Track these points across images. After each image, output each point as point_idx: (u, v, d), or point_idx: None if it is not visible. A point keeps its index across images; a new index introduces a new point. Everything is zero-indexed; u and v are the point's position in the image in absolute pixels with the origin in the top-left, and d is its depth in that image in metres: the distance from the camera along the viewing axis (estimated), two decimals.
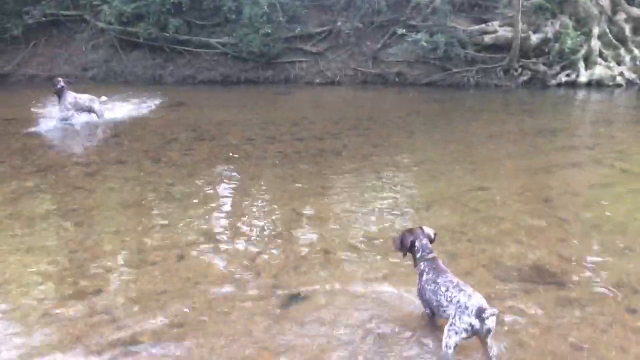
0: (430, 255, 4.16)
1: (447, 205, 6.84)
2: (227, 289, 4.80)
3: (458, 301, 3.71)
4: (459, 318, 3.66)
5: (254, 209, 6.83)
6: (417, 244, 4.20)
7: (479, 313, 3.60)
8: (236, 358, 3.91)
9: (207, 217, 6.48)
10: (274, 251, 5.54)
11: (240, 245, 5.69)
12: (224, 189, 7.54)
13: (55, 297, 4.72)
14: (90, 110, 11.22)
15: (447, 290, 3.85)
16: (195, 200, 7.00)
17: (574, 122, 12.71)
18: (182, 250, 5.53)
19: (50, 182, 7.61)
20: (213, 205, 6.89)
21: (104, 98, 11.56)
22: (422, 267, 4.13)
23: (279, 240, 5.81)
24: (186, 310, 4.47)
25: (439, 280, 3.96)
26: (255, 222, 6.34)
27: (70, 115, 10.99)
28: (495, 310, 3.64)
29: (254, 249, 5.59)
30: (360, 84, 16.65)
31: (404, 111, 13.24)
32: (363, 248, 5.59)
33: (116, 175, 7.95)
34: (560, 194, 7.45)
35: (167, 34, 16.77)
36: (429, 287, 4.01)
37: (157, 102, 13.25)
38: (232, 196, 7.27)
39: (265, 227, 6.15)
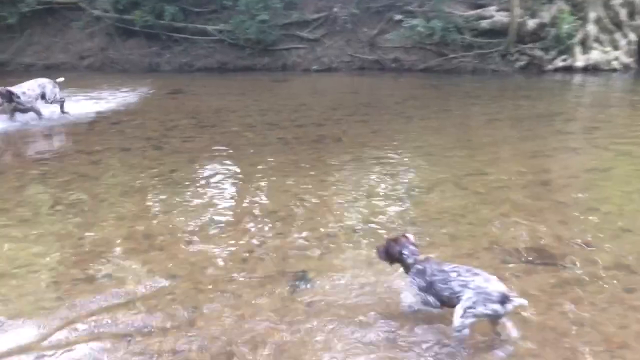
0: (421, 257, 4.17)
1: (447, 189, 6.94)
2: (235, 272, 4.90)
3: (478, 287, 3.74)
4: (483, 304, 3.70)
5: (257, 195, 6.93)
6: (405, 252, 4.18)
7: (503, 299, 3.71)
8: (246, 338, 4.01)
9: (211, 202, 6.57)
10: (278, 236, 5.64)
11: (246, 230, 5.78)
12: (226, 175, 7.62)
13: (66, 282, 4.79)
14: (42, 96, 10.27)
15: (459, 276, 3.86)
16: (198, 187, 7.09)
17: (571, 106, 12.80)
18: (188, 235, 5.63)
19: (55, 170, 7.67)
20: (216, 191, 6.98)
21: (61, 79, 10.73)
22: (418, 268, 4.11)
23: (284, 225, 5.90)
24: (196, 293, 4.57)
25: (445, 269, 3.97)
26: (259, 207, 6.43)
27: (37, 108, 10.19)
28: (522, 301, 3.80)
29: (259, 234, 5.69)
30: (357, 70, 16.67)
31: (401, 97, 13.30)
32: (367, 232, 5.68)
33: (120, 162, 8.04)
34: (559, 178, 7.57)
35: (164, 22, 16.73)
36: (436, 277, 3.98)
37: (150, 90, 13.29)
38: (235, 182, 7.35)
39: (269, 213, 6.24)
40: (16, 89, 9.97)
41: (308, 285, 4.67)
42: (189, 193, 6.82)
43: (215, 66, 16.78)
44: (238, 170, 7.83)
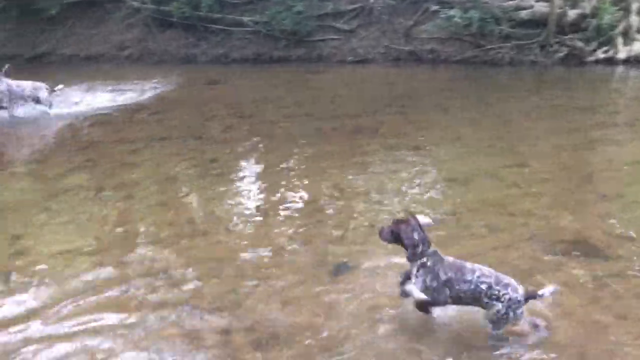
0: (431, 250, 3.91)
1: (487, 180, 6.90)
2: (277, 258, 4.99)
3: (510, 299, 3.74)
4: (514, 312, 3.77)
5: (296, 184, 7.00)
6: (416, 236, 3.87)
7: (529, 298, 3.82)
8: (288, 321, 4.10)
9: (251, 191, 6.70)
10: (318, 224, 5.71)
11: (286, 217, 5.87)
12: (265, 164, 7.73)
13: (113, 263, 4.96)
14: (36, 100, 10.07)
15: (490, 289, 3.76)
16: (238, 176, 7.22)
17: (612, 98, 12.49)
18: (230, 222, 5.76)
19: (98, 158, 7.88)
20: (256, 179, 7.10)
21: (60, 86, 10.45)
22: (428, 262, 3.87)
23: (323, 215, 5.96)
24: (239, 278, 4.67)
25: (472, 278, 3.80)
26: (298, 195, 6.51)
27: (6, 105, 9.85)
28: (551, 289, 3.84)
29: (299, 221, 5.77)
30: (393, 62, 16.52)
31: (437, 88, 13.20)
32: None
33: (160, 151, 8.20)
34: (601, 171, 7.43)
35: (200, 13, 16.89)
36: (460, 284, 3.81)
37: (188, 80, 13.51)
38: (274, 171, 7.43)
39: (308, 202, 6.31)
40: (9, 80, 9.82)
41: (347, 274, 4.72)
42: (227, 182, 6.95)
43: (251, 57, 16.86)
44: (276, 159, 7.90)
